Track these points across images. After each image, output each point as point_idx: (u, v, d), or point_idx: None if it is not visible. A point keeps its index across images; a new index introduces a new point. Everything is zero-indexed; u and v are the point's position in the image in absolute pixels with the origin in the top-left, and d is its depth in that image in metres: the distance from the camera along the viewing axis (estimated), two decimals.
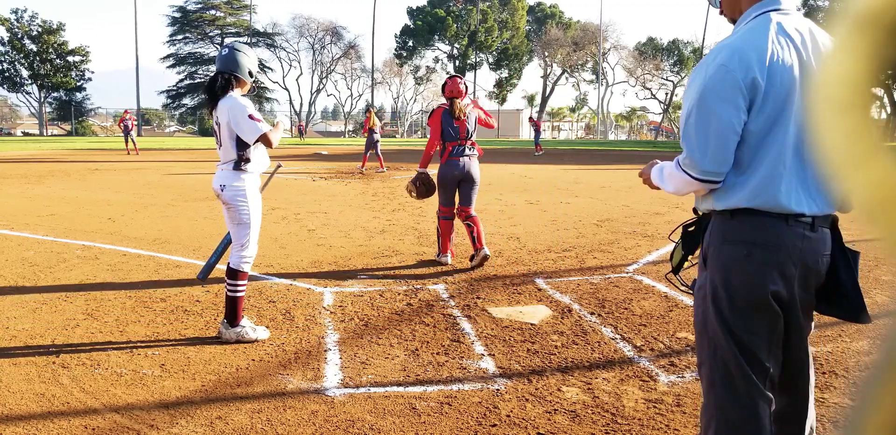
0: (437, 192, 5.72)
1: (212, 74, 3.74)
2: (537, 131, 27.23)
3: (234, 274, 3.76)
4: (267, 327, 3.96)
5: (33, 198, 10.31)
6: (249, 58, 3.69)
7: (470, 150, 5.61)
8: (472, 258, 5.56)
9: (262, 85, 65.10)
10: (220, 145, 3.70)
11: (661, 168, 1.96)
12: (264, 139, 3.59)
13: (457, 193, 5.69)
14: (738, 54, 1.65)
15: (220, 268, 5.54)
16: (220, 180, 3.67)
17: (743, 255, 1.73)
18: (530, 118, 29.75)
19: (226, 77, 3.63)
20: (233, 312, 3.75)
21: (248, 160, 3.67)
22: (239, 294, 3.77)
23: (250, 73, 3.68)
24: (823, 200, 1.73)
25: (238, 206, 3.67)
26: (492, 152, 27.76)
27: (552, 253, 6.29)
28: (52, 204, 9.54)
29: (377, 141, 15.74)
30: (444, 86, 5.71)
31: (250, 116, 3.53)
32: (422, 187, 5.70)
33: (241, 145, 3.63)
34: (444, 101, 5.72)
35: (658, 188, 2.04)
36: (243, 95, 3.75)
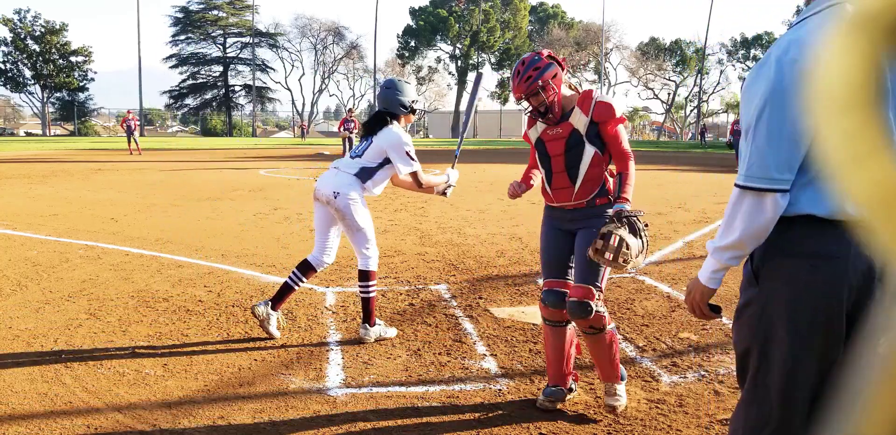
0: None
1: (372, 112, 4.03)
2: None
3: (365, 275, 3.83)
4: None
5: (36, 198, 10.33)
6: (405, 94, 3.89)
7: None
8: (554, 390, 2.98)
9: (266, 88, 65.10)
10: (359, 156, 3.81)
11: (712, 243, 1.69)
12: (415, 177, 3.83)
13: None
14: (805, 49, 1.48)
15: (212, 265, 5.55)
16: (335, 187, 3.71)
17: (806, 269, 1.56)
18: None
19: (385, 116, 3.86)
20: (369, 311, 3.81)
21: (374, 180, 3.79)
22: (372, 295, 3.84)
23: (408, 107, 3.90)
24: None
25: (351, 213, 3.73)
26: (493, 153, 27.76)
27: None
28: (55, 204, 9.56)
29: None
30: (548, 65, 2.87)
31: (407, 155, 3.77)
32: (615, 245, 2.63)
33: (382, 165, 3.78)
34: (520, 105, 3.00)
35: (707, 313, 1.79)
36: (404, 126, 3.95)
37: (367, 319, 3.82)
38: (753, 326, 1.66)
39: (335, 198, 3.69)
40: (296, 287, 3.88)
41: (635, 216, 2.72)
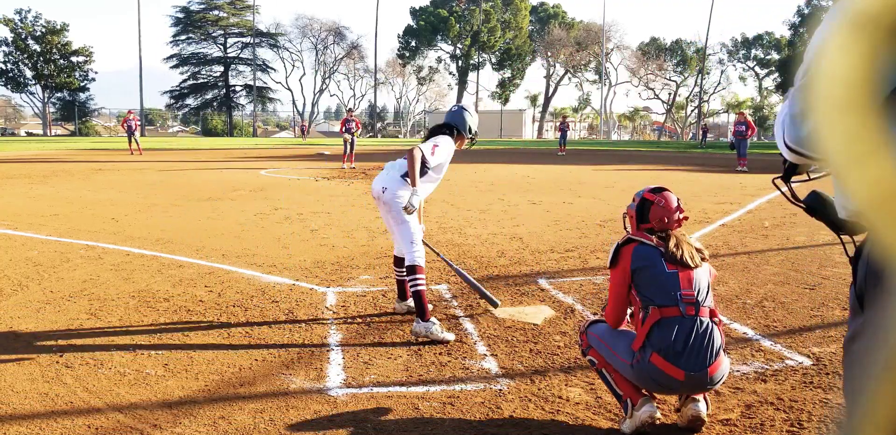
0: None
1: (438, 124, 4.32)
2: (564, 133, 27.75)
3: (412, 269, 3.93)
4: (451, 330, 3.98)
5: (37, 198, 10.34)
6: (472, 118, 4.30)
7: (708, 334, 2.63)
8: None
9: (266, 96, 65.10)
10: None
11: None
12: (411, 157, 3.88)
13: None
14: None
15: (213, 265, 5.55)
16: (384, 183, 4.04)
17: None
18: (562, 120, 29.92)
19: (451, 127, 4.22)
20: (421, 306, 3.84)
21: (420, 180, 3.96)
22: (421, 288, 3.89)
23: (469, 131, 4.26)
24: None
25: (397, 207, 3.95)
26: (494, 153, 27.75)
27: (555, 253, 6.28)
28: (56, 204, 9.56)
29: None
30: (649, 206, 2.91)
31: (434, 146, 4.05)
32: None
33: (423, 166, 3.99)
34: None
35: None
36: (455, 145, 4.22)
37: (421, 314, 3.82)
38: (864, 364, 1.26)
39: (383, 192, 4.01)
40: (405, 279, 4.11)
41: None
